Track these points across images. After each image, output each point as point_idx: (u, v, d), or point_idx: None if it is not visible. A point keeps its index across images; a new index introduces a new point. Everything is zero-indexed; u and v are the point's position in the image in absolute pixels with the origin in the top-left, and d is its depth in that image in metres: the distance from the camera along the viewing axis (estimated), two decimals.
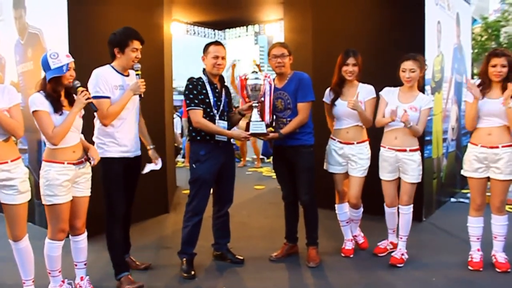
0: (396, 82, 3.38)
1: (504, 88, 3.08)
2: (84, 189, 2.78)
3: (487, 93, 3.15)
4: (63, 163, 2.64)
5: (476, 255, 3.28)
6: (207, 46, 3.28)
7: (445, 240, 4.00)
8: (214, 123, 3.20)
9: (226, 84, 3.42)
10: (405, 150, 3.32)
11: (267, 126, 3.27)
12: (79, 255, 2.86)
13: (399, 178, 3.42)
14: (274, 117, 3.40)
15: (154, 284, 3.11)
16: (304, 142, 3.36)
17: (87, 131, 2.94)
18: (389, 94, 3.43)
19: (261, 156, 8.97)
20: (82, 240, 2.85)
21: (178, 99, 13.74)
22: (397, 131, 3.33)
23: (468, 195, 3.79)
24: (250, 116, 3.24)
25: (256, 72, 3.25)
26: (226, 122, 3.28)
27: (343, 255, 3.58)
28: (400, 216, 3.43)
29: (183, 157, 9.80)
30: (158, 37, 5.01)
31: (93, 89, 2.85)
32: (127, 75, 3.03)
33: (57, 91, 2.64)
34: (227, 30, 9.01)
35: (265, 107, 3.32)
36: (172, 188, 5.84)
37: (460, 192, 5.91)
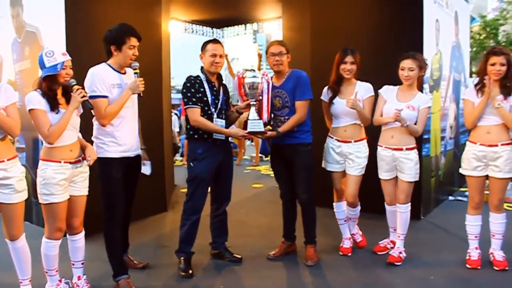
0: (395, 80, 3.37)
1: (502, 87, 3.08)
2: (81, 188, 2.77)
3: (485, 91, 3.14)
4: (60, 162, 2.62)
5: (474, 253, 3.28)
6: (205, 44, 3.26)
7: (443, 238, 4.01)
8: (212, 121, 3.19)
9: (224, 82, 3.41)
10: (401, 149, 3.31)
11: (265, 124, 3.27)
12: (76, 254, 2.84)
13: (397, 177, 3.41)
14: (272, 115, 3.40)
15: (152, 283, 3.11)
16: (302, 140, 3.36)
17: (86, 130, 2.92)
18: (388, 92, 3.42)
19: (259, 155, 8.97)
20: (79, 239, 2.83)
21: (176, 97, 13.72)
22: (394, 130, 3.33)
23: (466, 193, 3.80)
24: (248, 115, 3.23)
25: (254, 70, 3.24)
26: (224, 121, 3.27)
27: (341, 253, 3.58)
28: (398, 215, 3.42)
29: (182, 155, 9.79)
30: (156, 35, 4.99)
31: (90, 89, 2.78)
32: (124, 73, 2.96)
33: (52, 89, 2.62)
34: (225, 28, 9.00)
35: (263, 105, 3.31)
36: (170, 186, 5.84)
37: (458, 190, 5.92)
